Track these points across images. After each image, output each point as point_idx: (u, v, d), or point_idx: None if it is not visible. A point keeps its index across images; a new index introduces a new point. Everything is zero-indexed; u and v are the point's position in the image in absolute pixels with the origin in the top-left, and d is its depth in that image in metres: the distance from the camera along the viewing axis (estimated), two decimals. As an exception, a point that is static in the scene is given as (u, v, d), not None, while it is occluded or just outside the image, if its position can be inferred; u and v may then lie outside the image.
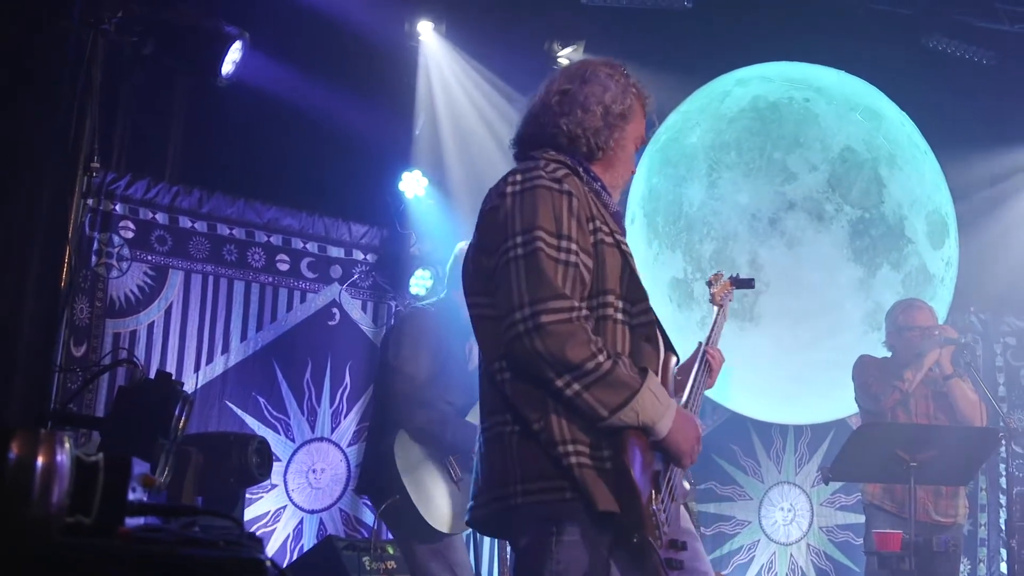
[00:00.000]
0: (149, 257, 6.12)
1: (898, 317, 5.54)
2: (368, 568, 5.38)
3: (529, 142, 2.79)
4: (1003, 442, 5.18)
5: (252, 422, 6.24)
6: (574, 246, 2.53)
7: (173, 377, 3.84)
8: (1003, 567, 7.50)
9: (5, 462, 1.48)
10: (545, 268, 2.47)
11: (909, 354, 5.42)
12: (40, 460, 1.49)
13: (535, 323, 2.42)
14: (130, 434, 3.54)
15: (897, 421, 5.35)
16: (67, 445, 1.53)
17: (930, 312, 5.58)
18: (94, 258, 5.85)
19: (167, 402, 3.74)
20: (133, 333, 5.99)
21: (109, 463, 1.61)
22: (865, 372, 5.51)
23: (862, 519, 7.11)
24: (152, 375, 4.14)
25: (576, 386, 2.42)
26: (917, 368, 5.36)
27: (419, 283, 6.52)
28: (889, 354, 5.57)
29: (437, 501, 4.68)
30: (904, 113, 7.24)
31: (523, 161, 2.76)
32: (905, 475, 4.88)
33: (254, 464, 4.76)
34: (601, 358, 2.44)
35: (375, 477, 5.01)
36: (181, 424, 3.71)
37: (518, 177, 2.61)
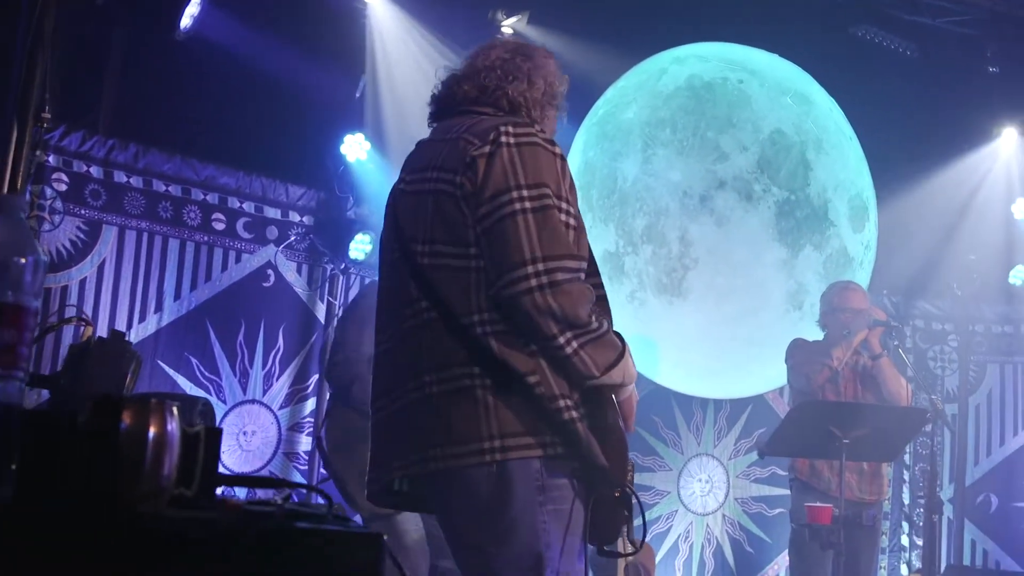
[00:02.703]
0: (82, 211, 5.93)
1: (833, 298, 5.72)
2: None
3: (466, 100, 2.72)
4: (930, 421, 5.43)
5: (184, 383, 6.13)
6: (572, 209, 2.55)
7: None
8: (904, 540, 7.85)
9: (117, 432, 1.47)
10: (557, 226, 2.47)
11: (840, 334, 5.62)
12: (152, 430, 1.48)
13: (550, 279, 2.41)
14: (82, 393, 3.48)
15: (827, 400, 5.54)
16: (175, 414, 1.52)
17: (863, 295, 5.78)
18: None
19: (119, 361, 3.67)
20: (64, 288, 5.82)
21: (208, 433, 1.60)
22: (797, 353, 5.69)
23: (776, 492, 7.38)
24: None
25: (575, 343, 2.44)
26: (846, 346, 5.56)
27: (359, 248, 6.47)
28: (821, 335, 5.76)
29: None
30: (832, 99, 7.44)
31: (452, 117, 2.71)
32: (837, 451, 5.07)
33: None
34: (596, 320, 2.49)
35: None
36: (130, 384, 3.66)
37: (510, 129, 2.54)
